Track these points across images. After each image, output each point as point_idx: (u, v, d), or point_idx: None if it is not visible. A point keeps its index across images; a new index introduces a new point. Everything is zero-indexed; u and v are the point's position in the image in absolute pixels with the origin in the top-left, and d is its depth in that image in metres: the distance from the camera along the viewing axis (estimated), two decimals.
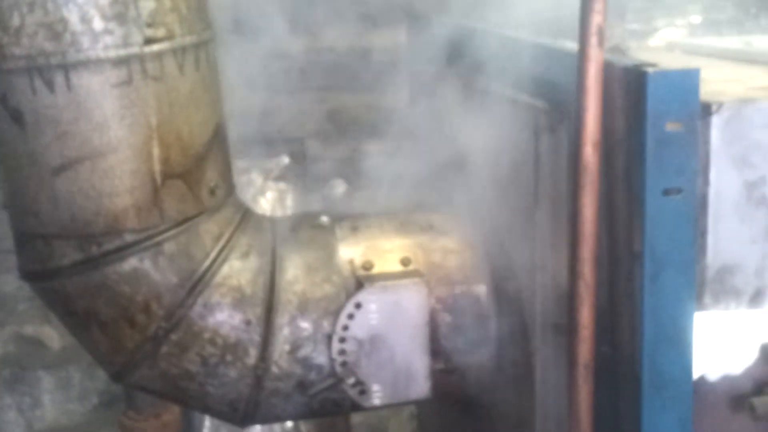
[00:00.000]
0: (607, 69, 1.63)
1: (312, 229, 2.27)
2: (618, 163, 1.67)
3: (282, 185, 4.49)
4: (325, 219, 2.27)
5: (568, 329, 1.76)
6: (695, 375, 1.85)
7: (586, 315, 1.71)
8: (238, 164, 4.44)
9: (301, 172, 4.47)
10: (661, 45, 2.78)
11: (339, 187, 3.61)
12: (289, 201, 4.39)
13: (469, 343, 2.23)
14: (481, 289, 2.24)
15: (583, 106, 1.63)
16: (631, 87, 1.60)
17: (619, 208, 1.71)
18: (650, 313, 1.66)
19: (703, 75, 2.22)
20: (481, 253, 2.28)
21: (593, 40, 1.58)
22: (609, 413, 1.83)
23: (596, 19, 1.56)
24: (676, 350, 1.67)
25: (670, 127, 1.55)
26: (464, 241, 2.30)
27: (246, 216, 2.21)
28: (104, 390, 4.50)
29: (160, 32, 1.91)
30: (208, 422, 3.74)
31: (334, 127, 4.65)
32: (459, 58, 2.49)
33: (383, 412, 4.03)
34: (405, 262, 2.22)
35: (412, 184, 2.96)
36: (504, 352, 2.24)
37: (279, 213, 3.69)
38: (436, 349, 2.19)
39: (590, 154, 1.64)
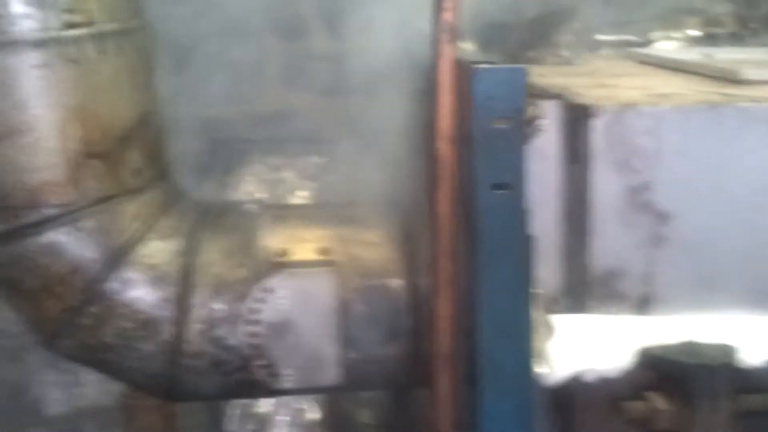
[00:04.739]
0: (460, 67, 1.66)
1: (237, 215, 2.34)
2: (464, 158, 1.70)
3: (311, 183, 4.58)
4: (251, 206, 2.34)
5: (430, 322, 1.79)
6: (572, 374, 1.86)
7: (444, 307, 1.74)
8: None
9: None
10: (612, 54, 2.78)
11: None
12: None
13: (383, 335, 2.26)
14: (397, 283, 2.27)
15: (438, 101, 1.66)
16: (469, 84, 1.63)
17: (467, 203, 1.73)
18: (485, 305, 1.67)
19: (619, 82, 2.23)
20: (402, 248, 2.32)
21: (444, 36, 1.61)
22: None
23: (446, 17, 1.59)
24: (511, 343, 1.67)
25: (497, 123, 1.57)
26: (385, 235, 2.34)
27: (173, 199, 2.30)
28: None
29: (79, 18, 2.02)
30: None
31: None
32: None
33: None
34: (323, 251, 2.27)
35: None
36: (419, 346, 2.27)
37: None
38: (348, 338, 2.24)
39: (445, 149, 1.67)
